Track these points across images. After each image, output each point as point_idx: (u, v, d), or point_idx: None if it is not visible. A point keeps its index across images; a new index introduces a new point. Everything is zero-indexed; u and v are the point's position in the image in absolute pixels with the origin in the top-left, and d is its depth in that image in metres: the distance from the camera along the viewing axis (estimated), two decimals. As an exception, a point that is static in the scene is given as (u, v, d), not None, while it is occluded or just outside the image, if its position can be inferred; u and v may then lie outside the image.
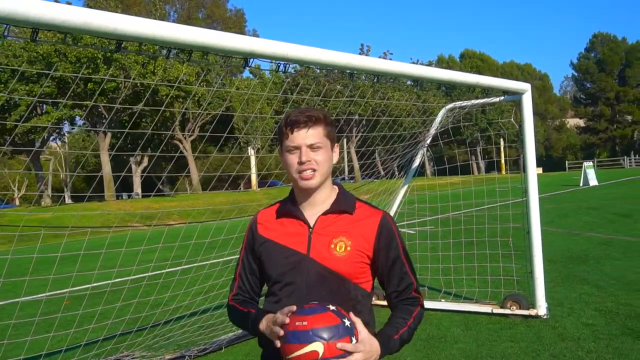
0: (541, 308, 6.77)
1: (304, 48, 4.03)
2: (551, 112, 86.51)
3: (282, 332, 1.94)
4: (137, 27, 3.06)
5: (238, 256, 2.40)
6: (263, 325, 2.12)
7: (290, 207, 2.27)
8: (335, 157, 2.26)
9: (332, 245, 2.16)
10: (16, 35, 2.85)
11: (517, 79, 7.44)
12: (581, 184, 34.47)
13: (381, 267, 2.24)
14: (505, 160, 44.01)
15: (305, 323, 1.91)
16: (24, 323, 5.76)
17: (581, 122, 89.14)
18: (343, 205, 2.25)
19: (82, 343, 5.18)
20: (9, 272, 4.92)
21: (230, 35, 3.57)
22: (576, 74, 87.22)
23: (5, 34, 2.74)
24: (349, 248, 2.16)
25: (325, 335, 1.89)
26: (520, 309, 6.84)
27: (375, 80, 5.44)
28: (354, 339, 1.94)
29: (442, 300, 7.59)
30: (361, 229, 2.21)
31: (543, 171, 65.06)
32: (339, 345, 1.90)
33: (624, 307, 6.92)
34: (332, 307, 1.98)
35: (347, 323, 1.96)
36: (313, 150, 2.14)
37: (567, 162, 72.97)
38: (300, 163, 2.13)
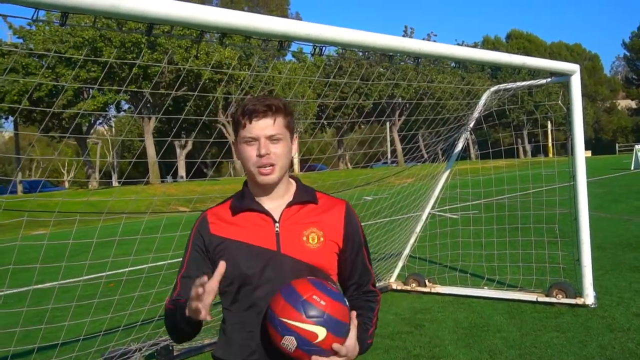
0: (589, 297, 6.55)
1: (338, 30, 3.92)
2: (601, 94, 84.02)
3: (200, 290, 1.71)
4: (167, 10, 2.99)
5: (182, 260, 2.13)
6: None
7: (248, 202, 2.08)
8: (294, 149, 2.10)
9: (304, 238, 2.03)
10: (44, 21, 2.83)
11: (565, 60, 7.16)
12: (632, 168, 33.50)
13: (345, 258, 2.13)
14: (553, 144, 43.04)
15: (323, 303, 1.79)
16: (63, 307, 5.83)
17: (633, 104, 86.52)
18: (305, 196, 2.12)
19: (120, 327, 5.24)
20: (49, 255, 5.01)
21: (263, 17, 3.48)
22: (628, 54, 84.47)
23: (34, 18, 2.71)
24: (321, 239, 2.04)
25: (334, 327, 1.80)
26: (566, 297, 6.63)
27: (415, 63, 5.30)
28: (344, 342, 1.86)
29: (485, 287, 7.44)
30: (329, 218, 2.10)
31: (592, 154, 63.50)
32: (334, 346, 1.81)
33: (677, 297, 6.65)
34: (347, 303, 1.90)
35: (349, 326, 1.88)
36: (272, 142, 1.98)
37: (617, 144, 71.11)
38: (259, 156, 1.98)
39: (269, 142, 1.98)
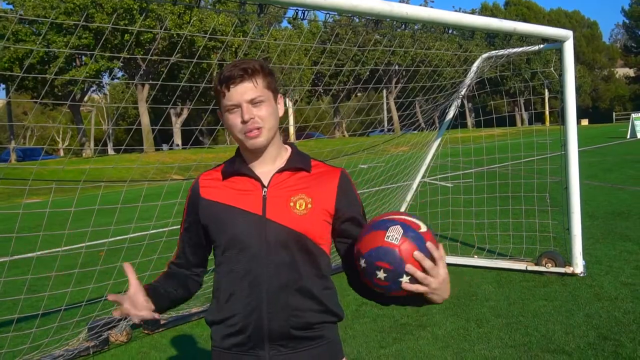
0: (578, 266, 6.53)
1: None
2: (599, 62, 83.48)
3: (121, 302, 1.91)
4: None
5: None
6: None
7: (238, 166, 2.07)
8: (281, 110, 2.06)
9: (291, 204, 1.98)
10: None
11: (564, 28, 7.02)
12: (628, 136, 33.50)
13: (339, 227, 2.07)
14: (550, 112, 42.94)
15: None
16: (45, 277, 5.79)
17: (631, 72, 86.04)
18: (299, 162, 2.07)
19: (103, 297, 5.18)
20: (38, 224, 4.98)
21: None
22: (627, 21, 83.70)
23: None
24: (309, 205, 1.99)
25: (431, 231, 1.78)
26: (555, 266, 6.62)
27: (405, 28, 5.18)
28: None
29: (475, 256, 7.42)
30: (321, 185, 2.04)
31: (589, 123, 63.39)
32: (429, 244, 1.73)
33: (666, 265, 6.64)
34: None
35: None
36: (255, 105, 1.94)
37: (614, 113, 70.96)
38: (244, 122, 1.94)
39: (251, 106, 1.94)
